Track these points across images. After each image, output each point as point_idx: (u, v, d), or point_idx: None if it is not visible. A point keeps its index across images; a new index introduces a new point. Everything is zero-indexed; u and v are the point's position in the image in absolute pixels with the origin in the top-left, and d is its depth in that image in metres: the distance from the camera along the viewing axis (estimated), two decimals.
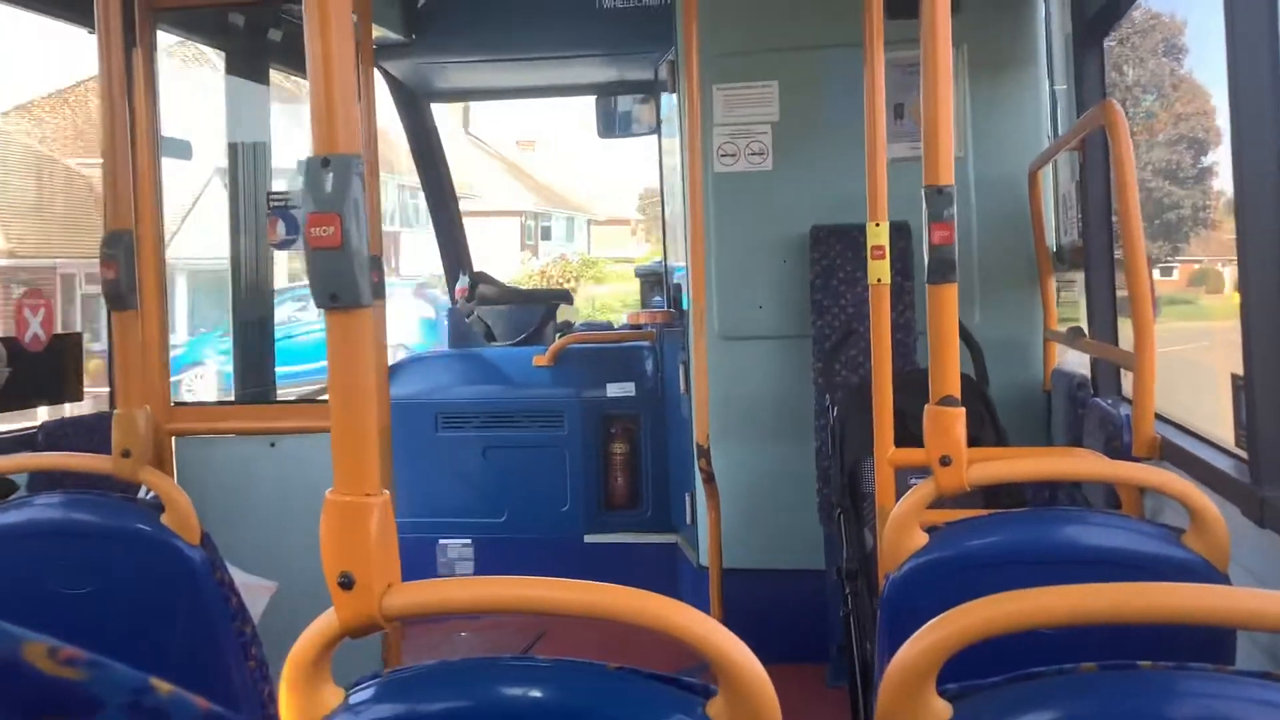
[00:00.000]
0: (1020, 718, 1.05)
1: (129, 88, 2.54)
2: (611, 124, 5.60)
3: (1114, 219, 3.17)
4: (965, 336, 3.31)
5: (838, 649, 3.69)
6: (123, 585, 2.09)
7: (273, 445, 3.12)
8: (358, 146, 1.14)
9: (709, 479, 3.48)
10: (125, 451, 2.28)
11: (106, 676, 0.49)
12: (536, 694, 1.12)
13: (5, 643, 0.48)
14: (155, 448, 2.39)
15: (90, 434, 3.23)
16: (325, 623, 1.17)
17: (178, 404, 2.80)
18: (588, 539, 4.84)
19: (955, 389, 1.90)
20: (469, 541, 4.86)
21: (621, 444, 4.89)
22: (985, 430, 3.26)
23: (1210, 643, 1.64)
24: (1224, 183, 3.63)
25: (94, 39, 2.35)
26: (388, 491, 1.19)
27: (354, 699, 1.15)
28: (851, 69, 3.14)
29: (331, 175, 1.12)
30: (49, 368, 3.21)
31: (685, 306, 4.27)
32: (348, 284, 1.13)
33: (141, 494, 2.50)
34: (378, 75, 4.47)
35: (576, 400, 4.86)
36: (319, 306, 1.16)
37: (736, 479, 3.95)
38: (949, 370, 1.91)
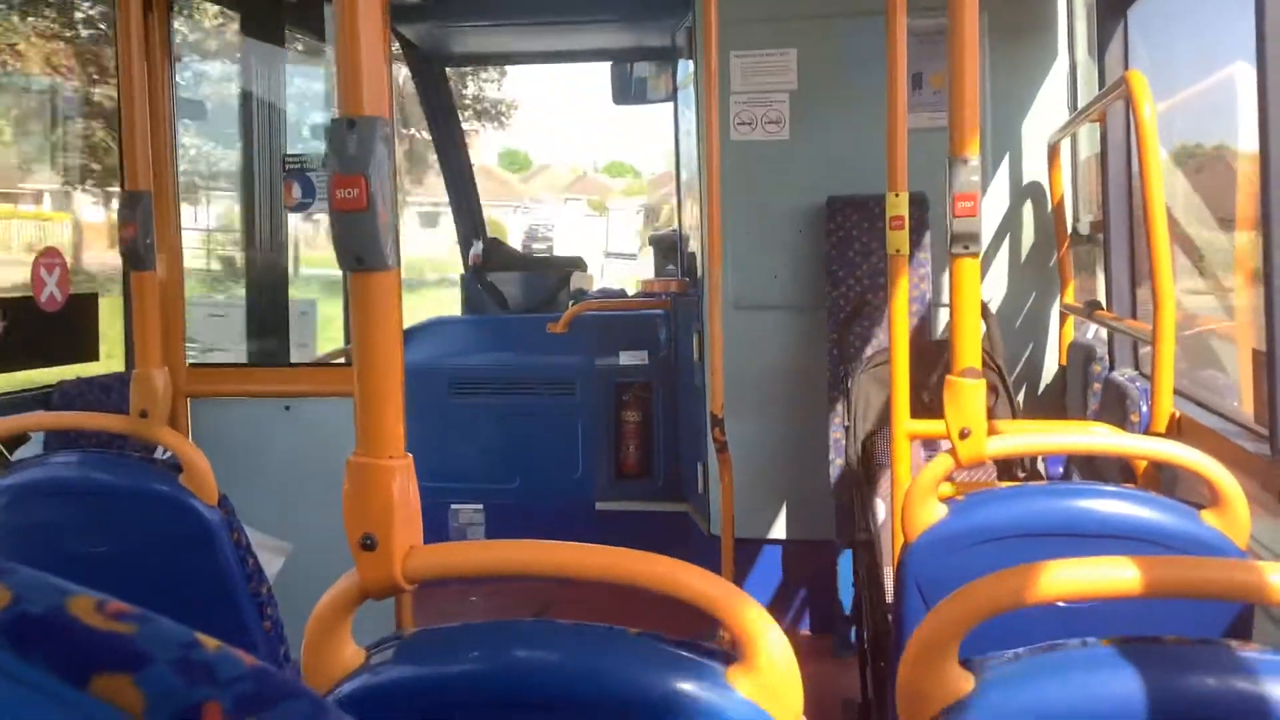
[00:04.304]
0: (1043, 689, 1.05)
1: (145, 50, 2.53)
2: (626, 91, 5.56)
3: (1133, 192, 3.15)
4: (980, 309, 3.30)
5: (847, 619, 3.70)
6: (140, 545, 2.10)
7: (287, 408, 3.12)
8: (384, 108, 1.14)
9: (722, 448, 3.48)
10: (143, 412, 2.29)
11: (154, 631, 0.49)
12: (558, 657, 1.12)
13: (51, 596, 0.48)
14: (171, 409, 2.40)
15: (106, 394, 3.24)
16: (347, 583, 1.17)
17: (193, 366, 2.80)
18: (599, 506, 4.85)
19: (976, 361, 1.89)
20: (480, 507, 4.88)
21: (634, 412, 4.89)
22: (999, 403, 3.26)
23: (1229, 619, 1.64)
24: None
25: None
26: (410, 455, 1.20)
27: (375, 659, 1.15)
28: (870, 38, 3.12)
29: (356, 137, 1.12)
30: (65, 328, 3.22)
31: (700, 275, 4.26)
32: (372, 247, 1.13)
33: (158, 454, 2.51)
34: (392, 39, 4.45)
35: (589, 368, 4.86)
36: (343, 269, 1.16)
37: (748, 448, 3.95)
38: (970, 342, 1.90)
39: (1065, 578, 1.10)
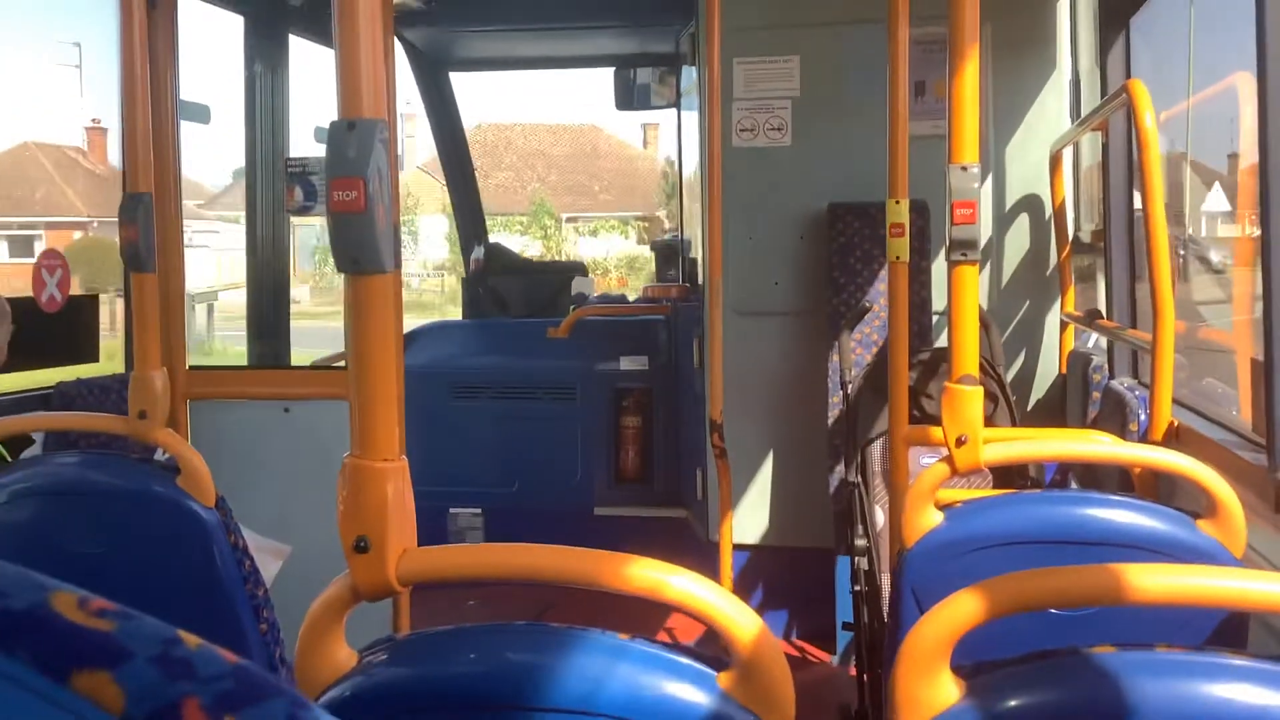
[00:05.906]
0: (1034, 696, 1.05)
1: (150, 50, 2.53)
2: (630, 97, 5.57)
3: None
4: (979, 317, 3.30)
5: (844, 626, 3.70)
6: (137, 546, 2.09)
7: (286, 411, 3.12)
8: (383, 111, 1.14)
9: (721, 454, 3.48)
10: (141, 413, 2.29)
11: (135, 628, 0.49)
12: (549, 660, 1.12)
13: (34, 593, 0.48)
14: (171, 411, 2.40)
15: (105, 395, 3.25)
16: (341, 586, 1.17)
17: (193, 368, 2.80)
18: (598, 511, 4.85)
19: (974, 368, 1.89)
20: (479, 511, 4.87)
21: (633, 417, 4.88)
22: (999, 411, 3.26)
23: (1223, 628, 1.64)
24: None
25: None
26: (405, 457, 1.20)
27: (367, 661, 1.15)
28: (873, 45, 3.12)
29: (356, 139, 1.12)
30: (65, 329, 3.22)
31: (701, 281, 4.26)
32: (370, 249, 1.13)
33: (157, 456, 2.51)
34: (396, 43, 4.46)
35: (589, 373, 4.86)
36: (340, 271, 1.16)
37: (747, 455, 3.95)
38: (968, 349, 1.90)
39: (1058, 585, 1.10)
